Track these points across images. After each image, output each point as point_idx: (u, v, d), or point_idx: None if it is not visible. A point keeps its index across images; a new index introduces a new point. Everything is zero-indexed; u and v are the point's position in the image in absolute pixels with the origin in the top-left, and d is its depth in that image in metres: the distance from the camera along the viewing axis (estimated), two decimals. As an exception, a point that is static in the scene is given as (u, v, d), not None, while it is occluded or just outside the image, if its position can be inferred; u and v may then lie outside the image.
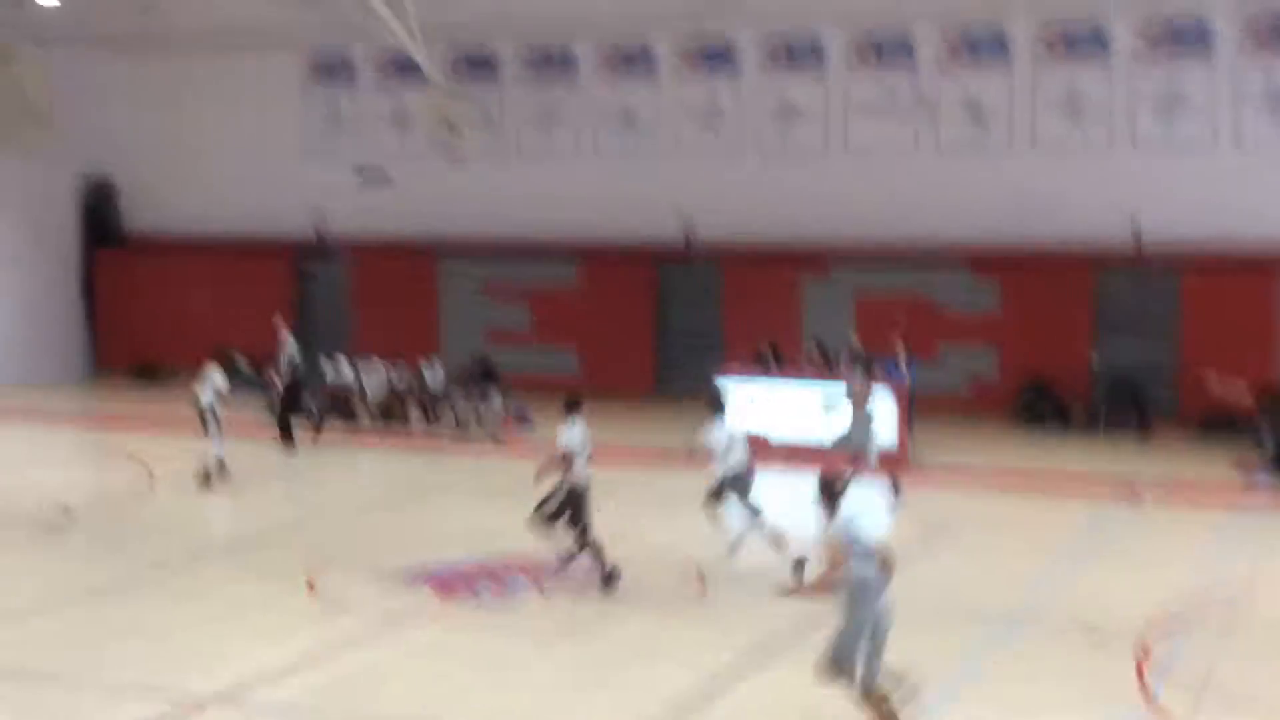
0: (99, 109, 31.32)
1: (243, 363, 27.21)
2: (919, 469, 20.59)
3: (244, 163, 30.73)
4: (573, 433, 14.58)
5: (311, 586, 14.49)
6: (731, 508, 15.53)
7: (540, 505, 14.55)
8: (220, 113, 30.84)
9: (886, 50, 26.46)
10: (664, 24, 27.38)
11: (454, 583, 14.69)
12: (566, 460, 14.41)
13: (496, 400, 23.95)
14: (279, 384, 22.86)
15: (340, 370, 25.64)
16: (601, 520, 14.53)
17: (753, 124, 27.33)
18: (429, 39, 26.26)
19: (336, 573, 15.06)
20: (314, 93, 30.52)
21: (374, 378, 25.13)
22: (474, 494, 19.64)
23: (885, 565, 9.93)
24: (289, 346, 23.28)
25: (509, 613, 13.84)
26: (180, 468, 20.22)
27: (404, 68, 28.45)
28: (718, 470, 15.47)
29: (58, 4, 26.24)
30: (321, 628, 13.23)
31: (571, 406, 14.80)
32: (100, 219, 31.78)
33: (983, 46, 25.88)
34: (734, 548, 15.53)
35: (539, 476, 14.50)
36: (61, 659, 12.12)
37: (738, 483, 15.47)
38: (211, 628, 13.13)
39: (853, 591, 9.85)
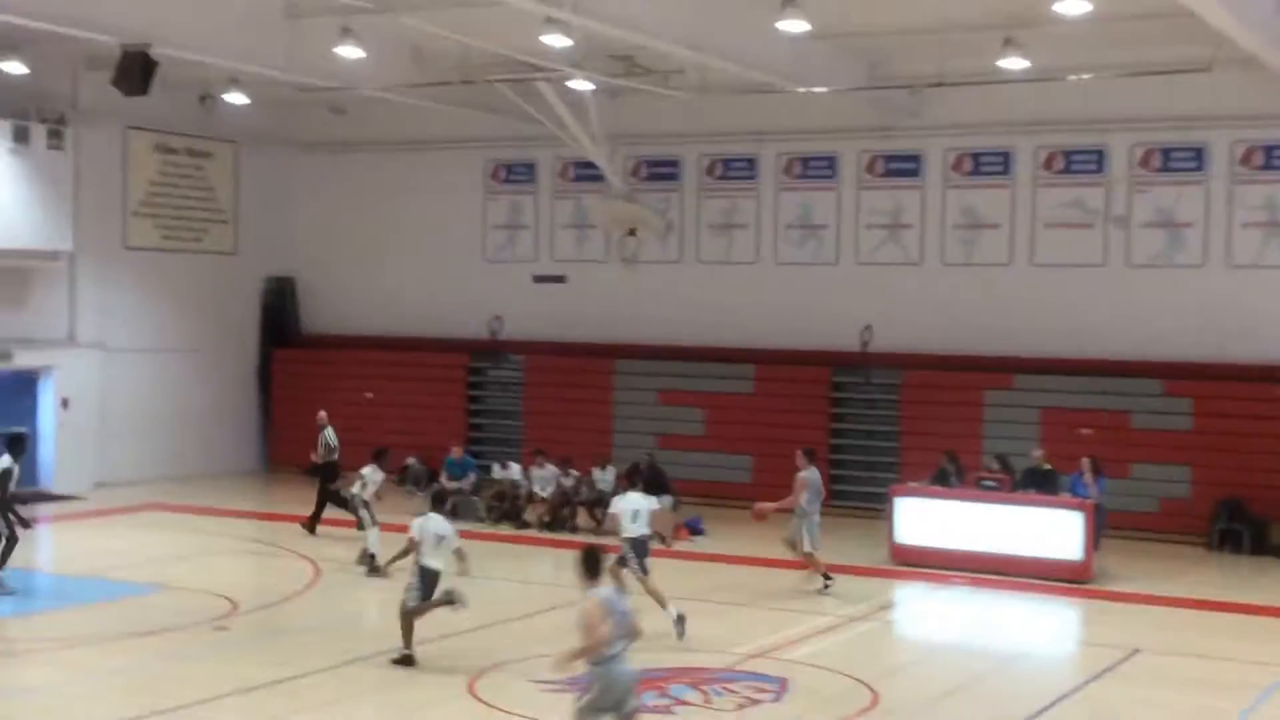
0: (284, 208, 32.04)
1: (413, 461, 27.30)
2: (1103, 588, 19.70)
3: (423, 263, 31.03)
4: None
5: (473, 690, 14.11)
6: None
7: None
8: (402, 214, 31.24)
9: (1076, 160, 25.77)
10: (849, 133, 27.07)
11: (618, 690, 14.14)
12: None
13: (666, 505, 23.46)
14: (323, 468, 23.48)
15: (510, 471, 25.48)
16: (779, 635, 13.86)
17: (936, 232, 26.76)
18: (611, 144, 26.32)
19: (499, 676, 14.67)
20: (496, 195, 30.77)
21: (544, 479, 24.90)
22: (638, 599, 19.07)
23: (634, 634, 10.68)
24: (328, 435, 23.58)
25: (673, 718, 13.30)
26: (345, 565, 20.13)
27: (585, 173, 28.59)
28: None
29: (248, 104, 26.80)
30: (481, 731, 12.83)
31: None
32: (280, 316, 32.31)
33: (1177, 158, 25.06)
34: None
35: None
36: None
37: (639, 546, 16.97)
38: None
39: (604, 663, 10.41)
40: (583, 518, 24.57)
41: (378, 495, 20.81)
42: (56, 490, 27.27)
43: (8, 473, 18.62)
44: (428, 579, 15.13)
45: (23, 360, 27.33)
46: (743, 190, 28.41)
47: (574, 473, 24.89)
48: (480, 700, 13.85)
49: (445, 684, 14.34)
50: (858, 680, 14.76)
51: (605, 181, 27.18)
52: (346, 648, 15.84)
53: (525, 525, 24.56)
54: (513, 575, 20.81)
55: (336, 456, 23.61)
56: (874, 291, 26.91)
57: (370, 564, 19.90)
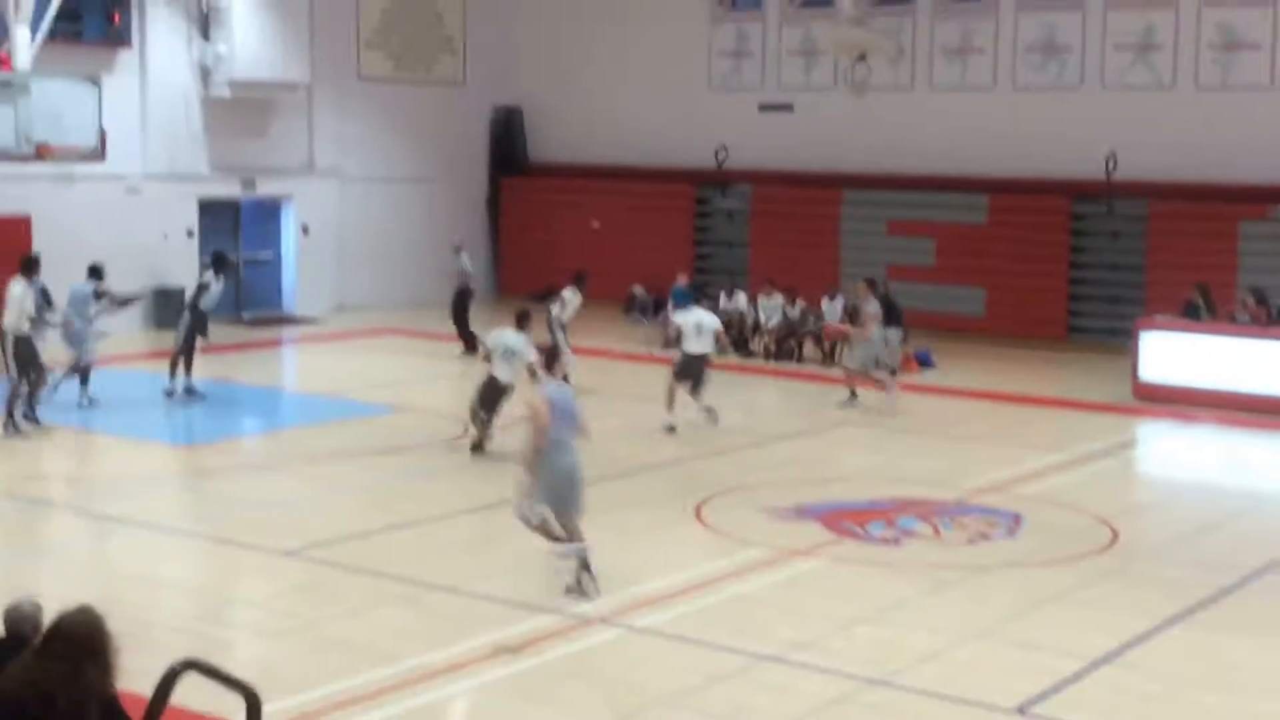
0: (511, 40, 31.98)
1: (639, 289, 27.31)
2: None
3: (649, 91, 30.72)
4: None
5: (700, 515, 14.13)
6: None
7: None
8: (628, 42, 30.92)
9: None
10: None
11: (844, 519, 14.02)
12: None
13: (896, 338, 23.03)
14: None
15: (736, 301, 25.31)
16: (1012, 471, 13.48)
17: (1190, 54, 25.34)
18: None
19: (725, 503, 14.65)
20: (722, 22, 30.20)
21: (771, 309, 24.68)
22: (868, 432, 18.88)
23: (579, 432, 11.52)
24: (463, 261, 24.33)
25: (900, 553, 13.09)
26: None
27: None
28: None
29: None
30: (707, 555, 12.83)
31: None
32: (507, 146, 32.44)
33: None
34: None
35: None
36: (455, 572, 12.07)
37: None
38: (599, 551, 12.88)
39: (544, 455, 11.16)
40: (809, 348, 24.32)
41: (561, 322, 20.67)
42: (298, 313, 28.12)
43: (204, 287, 19.24)
44: (489, 386, 16.21)
45: (266, 188, 28.05)
46: (979, 12, 27.31)
47: (800, 303, 24.61)
48: (706, 525, 13.85)
49: (672, 509, 14.36)
50: (1096, 517, 14.33)
51: (834, 6, 26.35)
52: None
53: (751, 355, 24.44)
54: (738, 404, 20.72)
55: (470, 283, 24.25)
56: (1119, 117, 25.66)
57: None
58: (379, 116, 29.84)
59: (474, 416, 16.50)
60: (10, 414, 17.05)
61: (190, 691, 6.14)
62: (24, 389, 17.12)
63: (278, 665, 9.60)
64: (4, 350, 17.19)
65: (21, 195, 23.72)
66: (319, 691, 9.26)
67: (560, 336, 20.30)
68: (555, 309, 20.99)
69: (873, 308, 20.13)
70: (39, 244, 23.71)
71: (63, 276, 23.94)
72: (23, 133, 22.87)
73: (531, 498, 11.31)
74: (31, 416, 17.25)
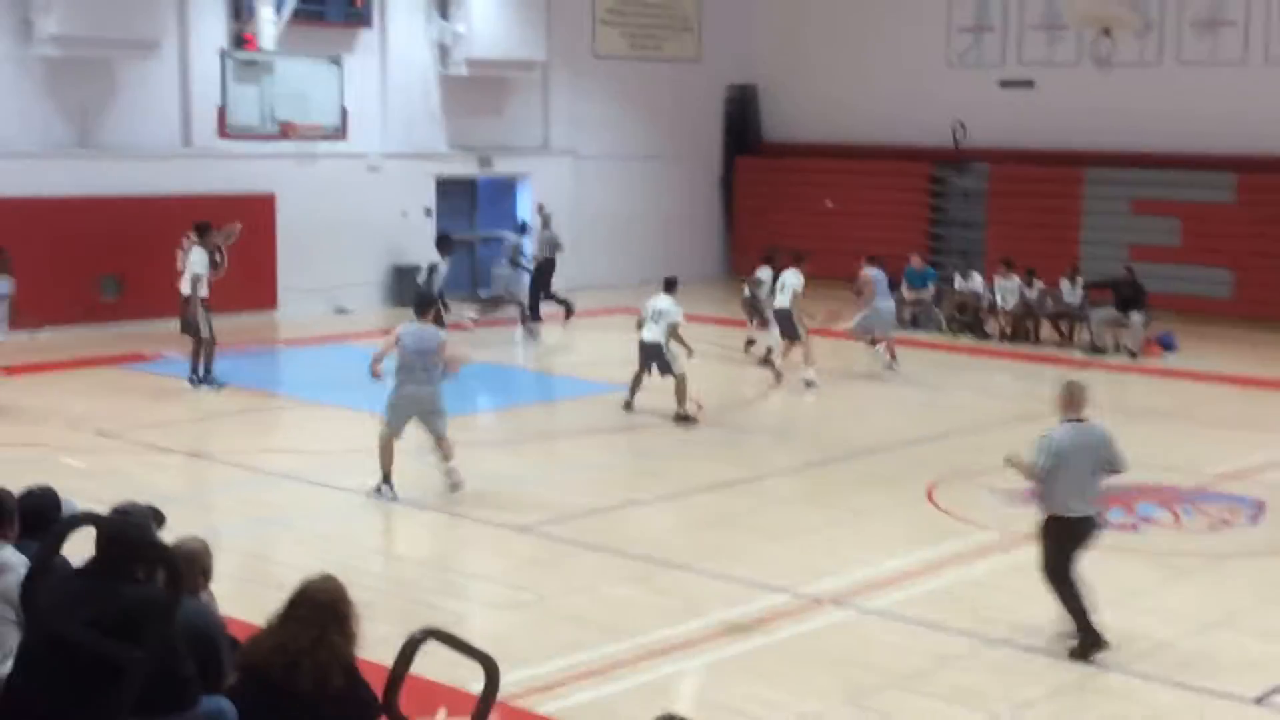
0: (746, 17, 31.93)
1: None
2: None
3: (885, 68, 30.33)
4: None
5: (931, 498, 13.97)
6: None
7: None
8: (863, 18, 30.60)
9: None
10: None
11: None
12: None
13: (1139, 320, 22.39)
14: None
15: (972, 282, 24.88)
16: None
17: None
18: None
19: (957, 485, 14.45)
20: (961, -1, 29.69)
21: (1007, 291, 24.20)
22: (1106, 416, 18.33)
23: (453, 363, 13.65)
24: (553, 233, 24.95)
25: (1139, 539, 12.74)
26: (808, 373, 20.21)
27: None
28: None
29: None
30: (938, 538, 12.68)
31: None
32: (742, 125, 32.42)
33: None
34: None
35: None
36: (688, 549, 12.15)
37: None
38: (831, 532, 12.88)
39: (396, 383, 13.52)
40: (1046, 330, 23.78)
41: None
42: (531, 292, 28.56)
43: (433, 269, 19.75)
44: (641, 348, 17.30)
45: (502, 167, 28.56)
46: (1235, -18, 26.30)
47: (1039, 284, 24.05)
48: (937, 507, 13.69)
49: (904, 490, 14.24)
50: (1347, 507, 13.74)
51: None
52: (804, 452, 15.97)
53: (986, 337, 24.01)
54: (972, 386, 20.40)
55: (556, 254, 24.81)
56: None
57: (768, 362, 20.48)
58: (614, 95, 30.10)
59: (636, 379, 17.52)
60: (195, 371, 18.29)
61: (429, 660, 6.31)
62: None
63: (510, 638, 9.78)
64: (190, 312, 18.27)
65: (267, 173, 24.59)
66: (551, 665, 9.43)
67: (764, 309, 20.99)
68: (749, 288, 21.84)
69: (874, 272, 21.04)
70: (283, 221, 24.69)
71: (304, 253, 24.96)
72: (268, 112, 23.75)
73: (384, 425, 13.51)
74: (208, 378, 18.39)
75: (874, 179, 29.92)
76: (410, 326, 13.63)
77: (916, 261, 25.76)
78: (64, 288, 22.14)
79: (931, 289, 25.31)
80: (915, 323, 24.80)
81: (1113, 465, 9.98)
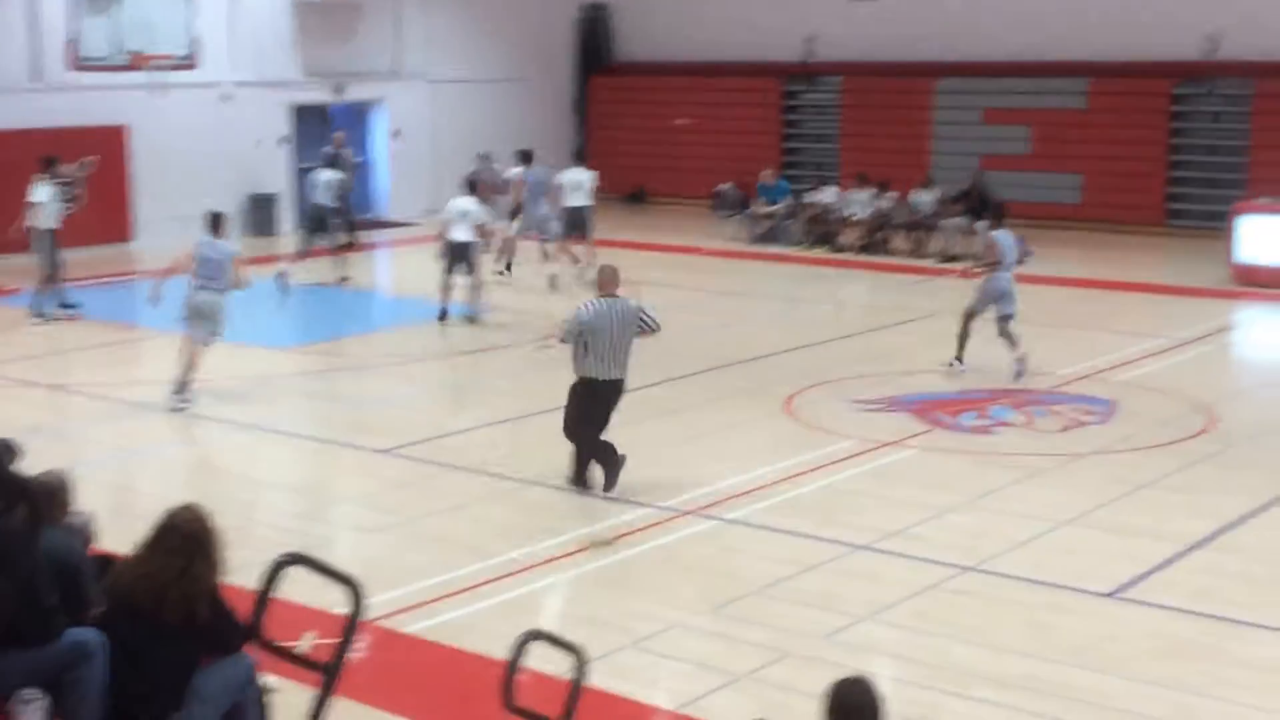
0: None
1: (727, 186, 27.22)
2: None
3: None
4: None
5: (789, 408, 14.21)
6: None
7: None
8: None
9: None
10: None
11: (935, 410, 14.05)
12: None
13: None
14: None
15: (825, 195, 25.17)
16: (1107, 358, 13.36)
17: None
18: None
19: (815, 395, 14.71)
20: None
21: (861, 203, 24.52)
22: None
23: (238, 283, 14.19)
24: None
25: (993, 441, 13.11)
26: (664, 290, 20.35)
27: None
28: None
29: None
30: (797, 448, 12.87)
31: None
32: (594, 44, 32.29)
33: None
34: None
35: None
36: (548, 467, 12.07)
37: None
38: (691, 447, 13.04)
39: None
40: (899, 240, 24.16)
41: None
42: (391, 217, 28.34)
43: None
44: (451, 249, 18.17)
45: (355, 93, 28.17)
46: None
47: (892, 195, 24.41)
48: (795, 419, 13.92)
49: (762, 403, 14.44)
50: (1194, 402, 14.24)
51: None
52: (663, 366, 16.12)
53: (841, 249, 24.34)
54: (827, 298, 20.70)
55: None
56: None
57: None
58: (467, 18, 29.79)
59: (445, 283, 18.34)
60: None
61: (295, 585, 6.34)
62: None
63: (377, 560, 9.84)
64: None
65: (118, 105, 24.08)
66: (417, 585, 9.49)
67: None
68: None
69: (520, 172, 21.98)
70: (137, 152, 24.22)
71: (159, 184, 24.57)
72: (117, 43, 23.19)
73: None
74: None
75: (727, 95, 30.05)
76: (203, 238, 14.35)
77: (768, 176, 25.99)
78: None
79: (786, 202, 25.56)
80: (770, 237, 25.07)
81: (646, 328, 11.54)
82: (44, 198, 18.23)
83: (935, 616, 9.12)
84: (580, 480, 11.49)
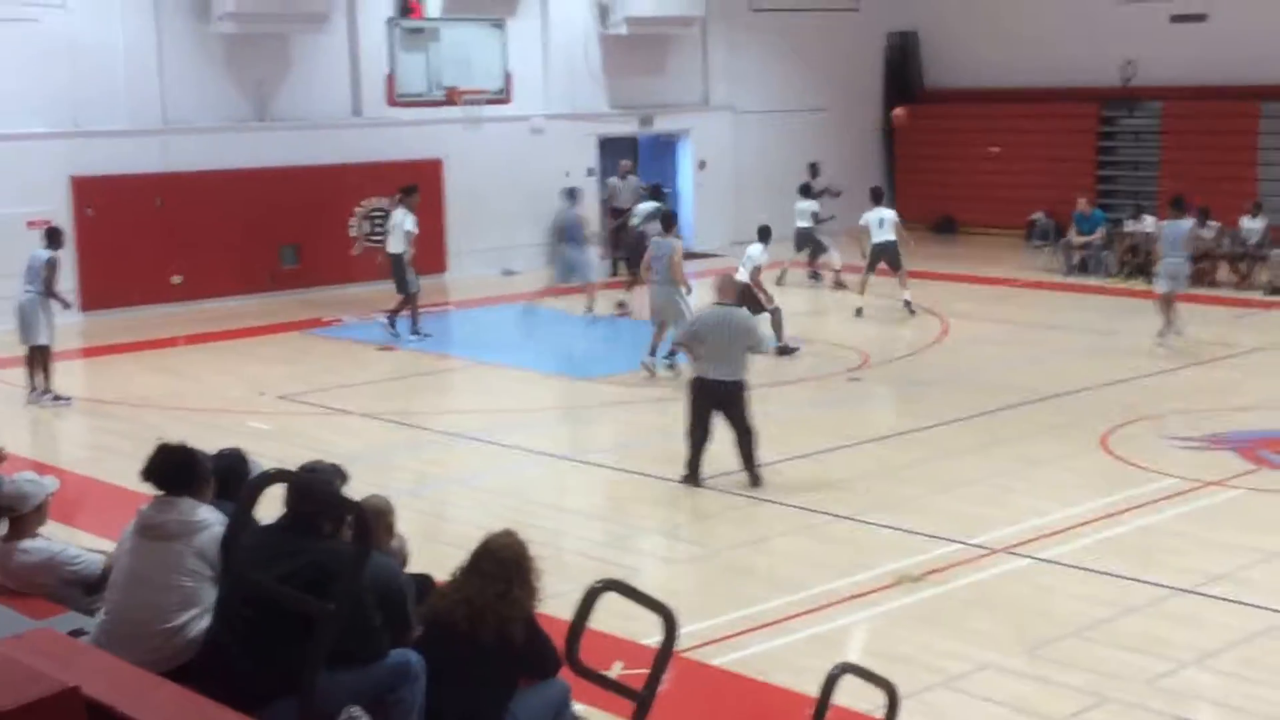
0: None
1: (1040, 215, 26.60)
2: None
3: (1049, 8, 29.63)
4: None
5: (1105, 445, 13.75)
6: None
7: None
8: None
9: None
10: None
11: (1261, 448, 13.41)
12: None
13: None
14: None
15: (1143, 224, 24.31)
16: None
17: None
18: None
19: (1132, 431, 14.21)
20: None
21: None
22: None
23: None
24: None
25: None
26: (974, 323, 20.01)
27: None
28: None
29: None
30: (1113, 486, 12.45)
31: None
32: (903, 73, 32.01)
33: None
34: None
35: None
36: (857, 502, 12.13)
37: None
38: (1002, 481, 12.75)
39: None
40: (1223, 271, 23.15)
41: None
42: (696, 248, 28.57)
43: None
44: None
45: (662, 124, 28.61)
46: None
47: (1214, 224, 23.40)
48: (1112, 454, 13.47)
49: (1076, 440, 14.03)
50: None
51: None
52: (975, 401, 15.81)
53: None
54: (1145, 331, 19.97)
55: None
56: None
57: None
58: (772, 48, 29.91)
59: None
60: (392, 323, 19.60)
61: (602, 614, 6.42)
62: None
63: (681, 591, 9.89)
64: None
65: (434, 139, 24.99)
66: (724, 617, 9.51)
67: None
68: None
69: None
70: (451, 185, 25.13)
71: (474, 215, 25.45)
72: (434, 78, 24.13)
73: None
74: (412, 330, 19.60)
75: (1039, 121, 29.34)
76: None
77: (1083, 205, 25.26)
78: (246, 258, 22.86)
79: (1101, 232, 24.79)
80: (1084, 268, 24.35)
81: (754, 348, 12.42)
82: (407, 224, 19.31)
83: (1265, 664, 8.70)
84: (693, 478, 12.44)
